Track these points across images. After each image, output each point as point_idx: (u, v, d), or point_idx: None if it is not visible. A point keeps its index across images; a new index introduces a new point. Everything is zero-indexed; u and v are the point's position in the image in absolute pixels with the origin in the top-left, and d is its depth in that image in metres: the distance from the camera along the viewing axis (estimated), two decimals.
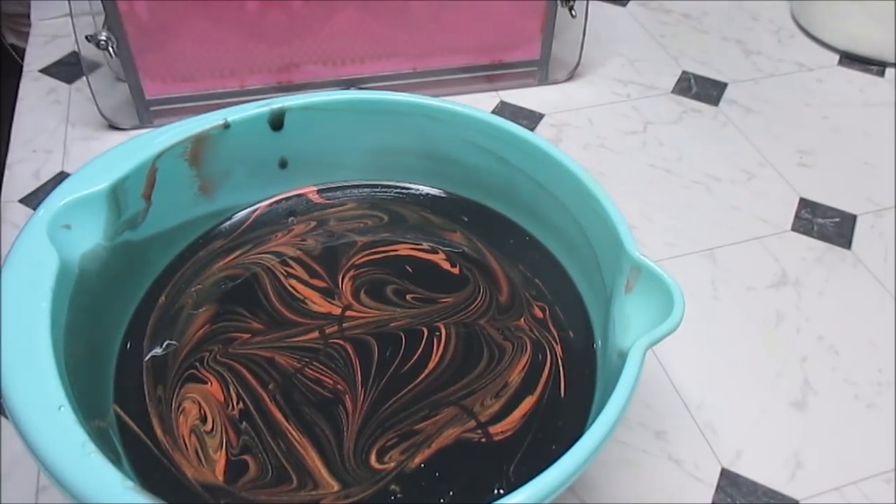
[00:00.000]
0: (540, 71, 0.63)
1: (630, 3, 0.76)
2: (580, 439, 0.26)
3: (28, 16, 0.71)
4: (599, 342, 0.35)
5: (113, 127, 0.58)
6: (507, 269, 0.39)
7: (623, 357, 0.28)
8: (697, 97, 0.64)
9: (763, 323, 0.46)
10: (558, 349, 0.36)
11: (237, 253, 0.40)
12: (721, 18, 0.74)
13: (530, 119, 0.61)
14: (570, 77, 0.65)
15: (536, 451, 0.32)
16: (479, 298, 0.38)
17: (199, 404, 0.33)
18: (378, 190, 0.43)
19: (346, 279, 0.38)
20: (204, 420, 0.32)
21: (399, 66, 0.60)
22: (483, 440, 0.32)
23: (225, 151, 0.38)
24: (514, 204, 0.41)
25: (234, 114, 0.38)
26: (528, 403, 0.33)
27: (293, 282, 0.38)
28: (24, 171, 0.55)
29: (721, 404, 0.42)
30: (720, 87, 0.65)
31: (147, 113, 0.58)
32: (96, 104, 0.58)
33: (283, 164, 0.41)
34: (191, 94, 0.58)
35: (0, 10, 0.78)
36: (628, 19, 0.74)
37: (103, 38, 0.53)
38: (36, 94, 0.62)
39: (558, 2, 0.59)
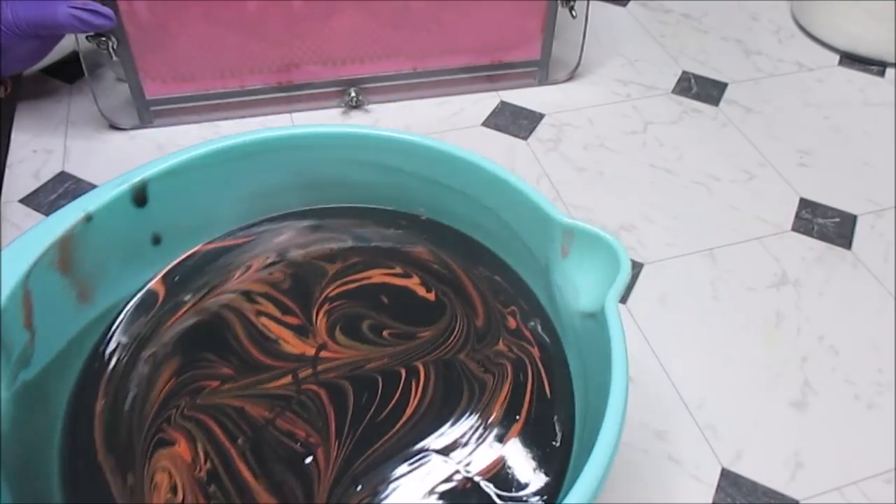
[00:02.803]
0: (540, 71, 0.63)
1: (630, 3, 0.76)
2: (610, 396, 0.26)
3: None
4: (552, 314, 0.36)
5: (113, 127, 0.58)
6: (475, 278, 0.38)
7: (593, 317, 0.29)
8: (697, 97, 0.64)
9: (763, 323, 0.46)
10: (535, 351, 0.35)
11: (190, 302, 0.37)
12: (721, 18, 0.74)
13: (530, 119, 0.61)
14: (571, 77, 0.65)
15: (523, 472, 0.31)
16: (456, 329, 0.36)
17: (169, 472, 0.31)
18: (304, 211, 0.41)
19: (321, 314, 0.36)
20: (175, 490, 0.30)
21: (399, 67, 0.60)
22: (468, 486, 0.30)
23: (93, 246, 0.34)
24: (427, 205, 0.40)
25: (94, 202, 0.33)
26: (513, 432, 0.32)
27: (264, 320, 0.36)
28: (24, 171, 0.55)
29: (721, 404, 0.42)
30: (720, 87, 0.65)
31: (147, 113, 0.58)
32: (97, 104, 0.58)
33: (156, 240, 0.37)
34: (191, 94, 0.58)
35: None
36: (628, 19, 0.74)
37: (103, 37, 0.53)
38: (36, 94, 0.62)
39: (558, 2, 0.59)
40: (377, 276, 0.38)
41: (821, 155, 0.59)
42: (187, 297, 0.37)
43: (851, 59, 0.69)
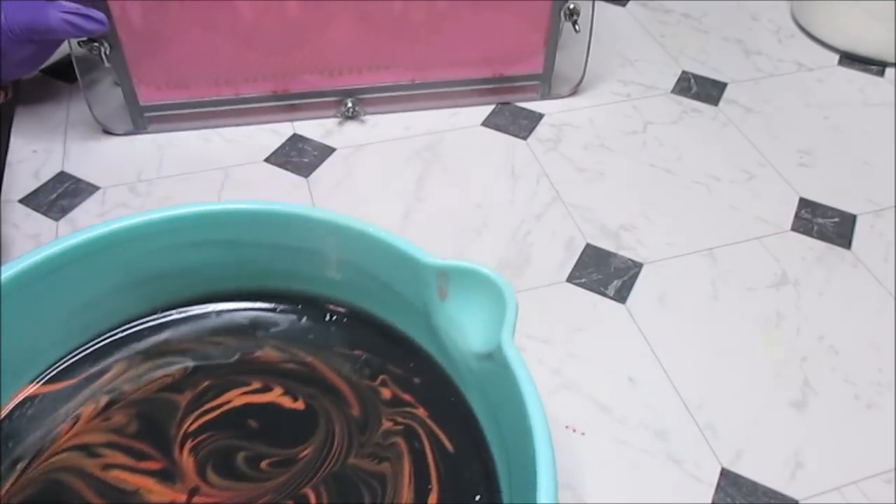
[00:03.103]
0: (543, 85, 0.63)
1: (630, 3, 0.76)
2: (535, 442, 0.24)
3: None
4: (443, 361, 0.33)
5: (107, 132, 0.58)
6: (333, 363, 0.35)
7: (490, 358, 0.27)
8: (697, 97, 0.64)
9: (763, 323, 0.46)
10: (421, 412, 0.33)
11: (13, 475, 0.31)
12: (721, 18, 0.74)
13: (530, 119, 0.61)
14: (574, 92, 0.64)
15: None
16: (336, 432, 0.32)
17: None
18: (141, 330, 0.35)
19: (185, 454, 0.31)
20: None
21: (398, 78, 0.60)
22: None
23: None
24: (282, 274, 0.35)
25: None
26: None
27: (116, 472, 0.31)
28: (24, 171, 0.55)
29: (721, 404, 0.42)
30: (720, 87, 0.65)
31: (141, 119, 0.58)
32: (91, 110, 0.57)
33: None
34: (186, 101, 0.57)
35: None
36: (628, 19, 0.74)
37: (95, 43, 0.53)
38: (36, 95, 0.62)
39: (562, 16, 0.59)
40: (236, 397, 0.33)
41: (821, 155, 0.59)
42: (9, 471, 0.31)
43: (851, 59, 0.69)
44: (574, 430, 0.40)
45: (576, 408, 0.41)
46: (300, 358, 0.35)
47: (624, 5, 0.76)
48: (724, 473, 0.39)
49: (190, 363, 0.34)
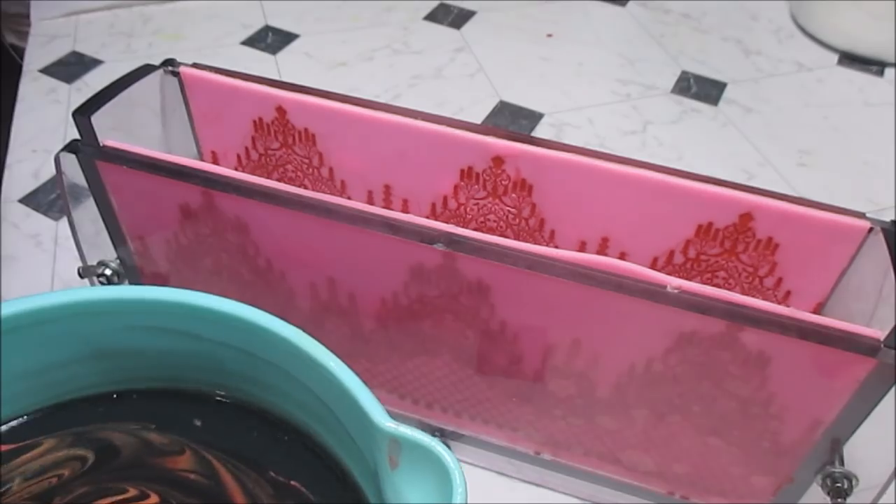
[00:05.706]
0: None
1: (630, 3, 0.76)
2: None
3: (28, 16, 0.71)
4: None
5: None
6: (249, 485, 0.30)
7: None
8: (697, 97, 0.64)
9: None
10: None
11: None
12: (720, 18, 0.74)
13: (530, 119, 0.61)
14: None
15: None
16: None
17: None
18: (84, 410, 0.31)
19: None
20: None
21: (513, 442, 0.39)
22: None
23: None
24: (245, 384, 0.32)
25: None
26: None
27: None
28: (24, 171, 0.55)
29: None
30: (720, 86, 0.65)
31: None
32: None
33: None
34: None
35: (0, 10, 0.78)
36: (628, 19, 0.74)
37: (112, 267, 0.41)
38: (36, 94, 0.62)
39: (818, 479, 0.33)
40: None
41: (821, 155, 0.59)
42: None
43: (850, 59, 0.69)
44: None
45: None
46: (211, 466, 0.30)
47: (624, 5, 0.76)
48: None
49: (91, 457, 0.29)
